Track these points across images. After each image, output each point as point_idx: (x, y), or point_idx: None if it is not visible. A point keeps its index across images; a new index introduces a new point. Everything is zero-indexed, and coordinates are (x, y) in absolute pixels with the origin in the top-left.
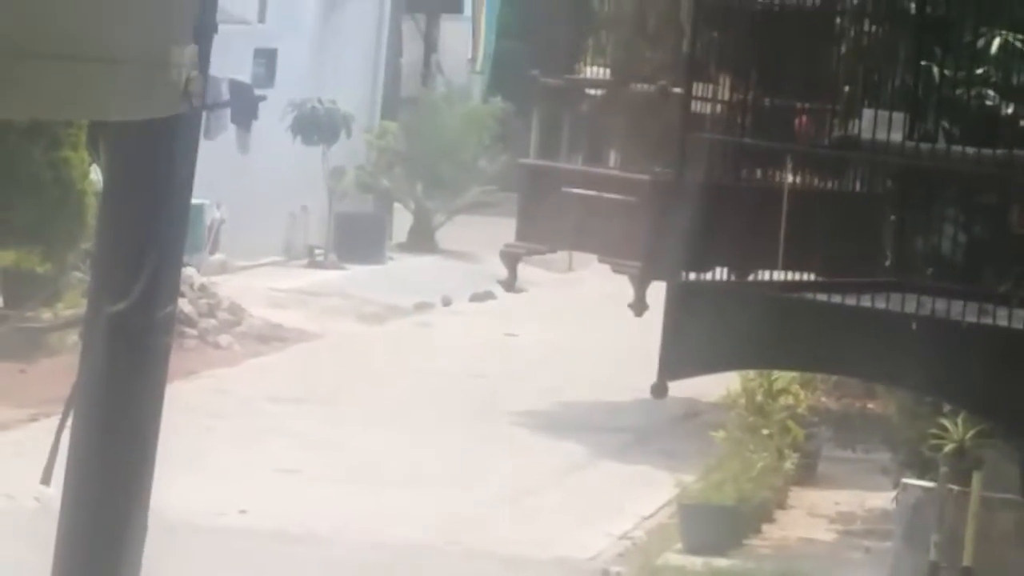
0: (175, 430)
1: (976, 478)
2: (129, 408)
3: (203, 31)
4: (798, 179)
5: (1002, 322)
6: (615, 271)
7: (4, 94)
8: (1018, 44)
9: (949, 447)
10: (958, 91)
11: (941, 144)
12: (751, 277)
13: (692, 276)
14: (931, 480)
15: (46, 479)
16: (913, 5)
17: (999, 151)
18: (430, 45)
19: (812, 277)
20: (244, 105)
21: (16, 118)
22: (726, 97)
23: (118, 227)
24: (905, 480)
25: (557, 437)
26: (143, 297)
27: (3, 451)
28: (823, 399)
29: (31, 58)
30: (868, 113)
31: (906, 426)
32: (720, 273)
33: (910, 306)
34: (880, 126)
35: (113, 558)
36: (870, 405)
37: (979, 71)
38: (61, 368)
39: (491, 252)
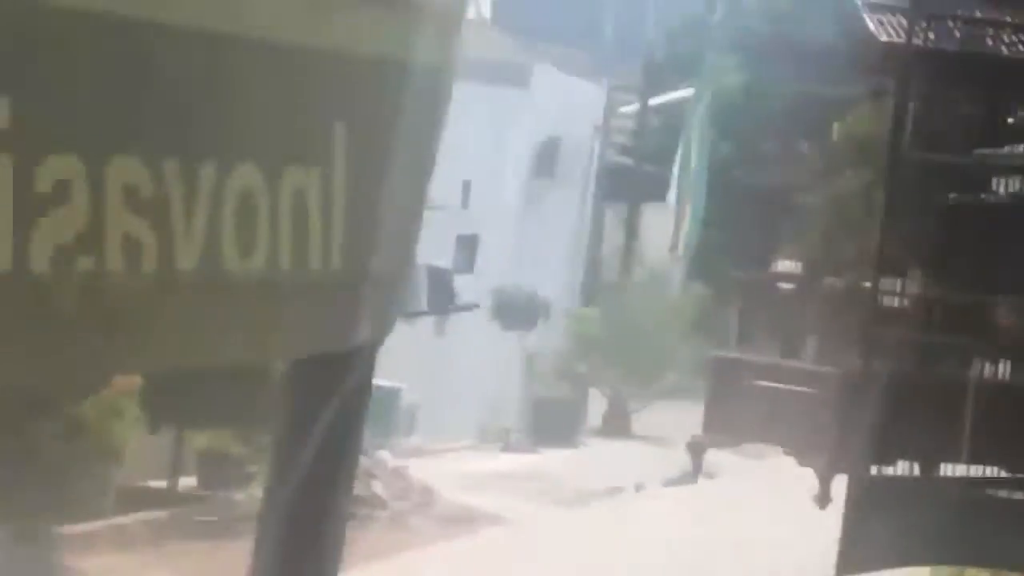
0: None
1: None
2: None
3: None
4: (987, 374)
5: None
6: (800, 464)
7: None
8: None
9: None
10: None
11: None
12: (936, 472)
13: (876, 470)
14: None
15: None
16: None
17: None
18: (631, 232)
19: (997, 472)
20: (439, 290)
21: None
22: (916, 291)
23: (300, 413)
24: None
25: None
26: (319, 486)
27: None
28: None
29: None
30: None
31: None
32: (904, 467)
33: None
34: None
35: None
36: None
37: None
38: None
39: (684, 437)
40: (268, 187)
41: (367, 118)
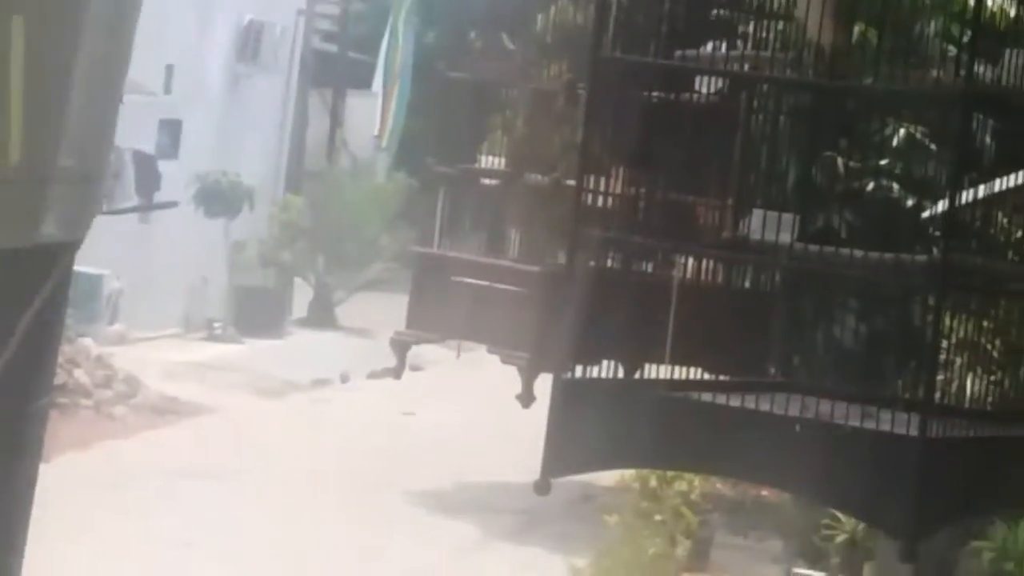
0: (67, 502)
1: (867, 569)
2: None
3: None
4: (689, 274)
5: (885, 426)
6: (504, 362)
7: None
8: (921, 137)
9: (841, 538)
10: (861, 182)
11: (833, 245)
12: (639, 373)
13: (580, 370)
14: (822, 570)
15: None
16: (812, 98)
17: (887, 255)
18: (336, 120)
19: (700, 374)
20: (147, 176)
21: None
22: (620, 190)
23: None
24: (796, 570)
25: (451, 517)
26: (14, 388)
27: None
28: (718, 485)
29: None
30: (758, 213)
31: (799, 515)
32: (608, 368)
33: (794, 408)
34: (770, 226)
35: None
36: (764, 493)
37: (881, 163)
38: None
39: (391, 330)
40: None
41: (48, 12)
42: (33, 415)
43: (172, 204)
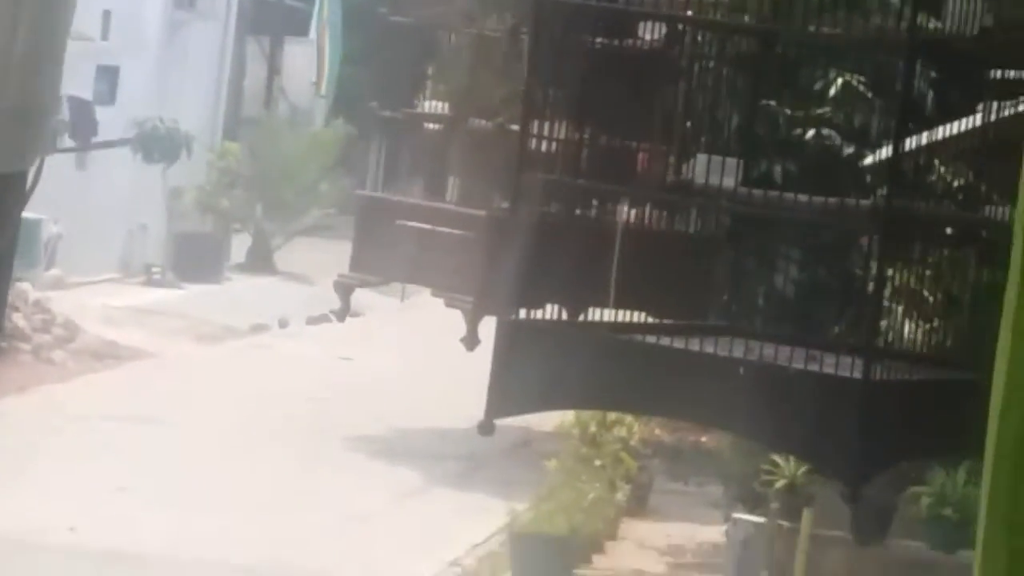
0: (4, 445)
1: (806, 515)
2: None
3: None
4: (633, 219)
5: (828, 369)
6: (448, 305)
7: None
8: (859, 86)
9: (780, 483)
10: (800, 131)
11: (779, 188)
12: (583, 316)
13: (524, 313)
14: (762, 515)
15: None
16: (754, 45)
17: (831, 199)
18: (273, 67)
19: (644, 318)
20: (83, 122)
21: None
22: (563, 135)
23: None
24: (736, 515)
25: (391, 463)
26: None
27: None
28: (657, 431)
29: None
30: (702, 157)
31: (738, 461)
32: (552, 311)
33: (738, 351)
34: (713, 170)
35: None
36: (703, 439)
37: (820, 111)
38: None
39: (329, 275)
40: None
41: None
42: None
43: (124, 142)
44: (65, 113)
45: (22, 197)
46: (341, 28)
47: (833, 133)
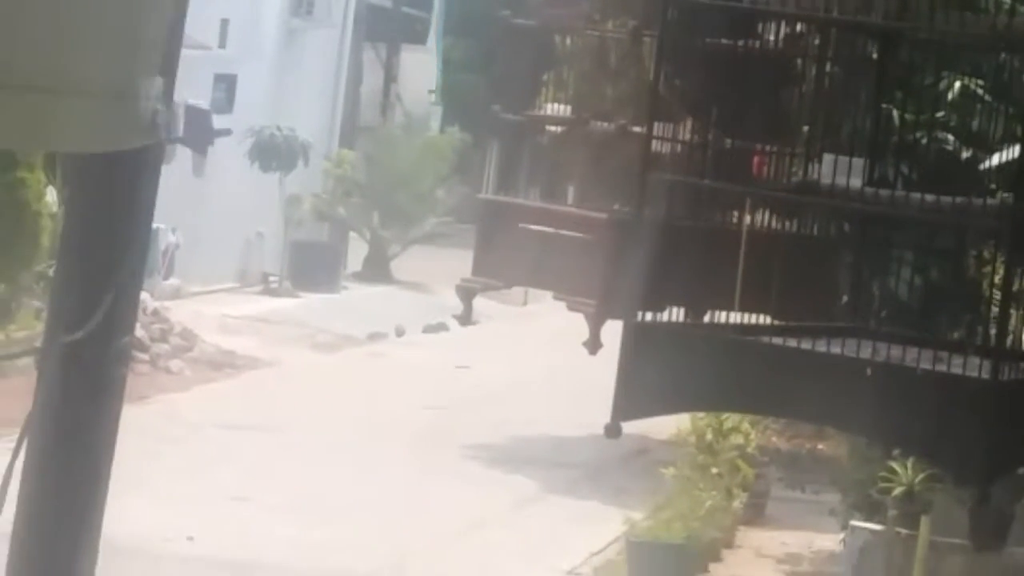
0: (124, 454)
1: (924, 522)
2: (83, 438)
3: (169, 60)
4: (756, 221)
5: (956, 370)
6: (570, 309)
7: None
8: (977, 89)
9: (898, 490)
10: (917, 135)
11: (900, 190)
12: (706, 319)
13: (648, 316)
14: (879, 523)
15: None
16: (874, 49)
17: (958, 199)
18: (390, 75)
19: (768, 320)
20: (201, 130)
21: None
22: (687, 137)
23: (78, 255)
24: (853, 523)
25: (508, 471)
26: (100, 327)
27: None
28: (773, 439)
29: None
30: (828, 158)
31: (856, 468)
32: (675, 314)
33: (865, 352)
34: (840, 171)
35: None
36: (820, 446)
37: (938, 115)
38: (10, 391)
39: (446, 283)
40: None
41: None
42: (116, 354)
43: (227, 132)
44: (182, 120)
45: (151, 203)
46: (442, 36)
47: (950, 137)
